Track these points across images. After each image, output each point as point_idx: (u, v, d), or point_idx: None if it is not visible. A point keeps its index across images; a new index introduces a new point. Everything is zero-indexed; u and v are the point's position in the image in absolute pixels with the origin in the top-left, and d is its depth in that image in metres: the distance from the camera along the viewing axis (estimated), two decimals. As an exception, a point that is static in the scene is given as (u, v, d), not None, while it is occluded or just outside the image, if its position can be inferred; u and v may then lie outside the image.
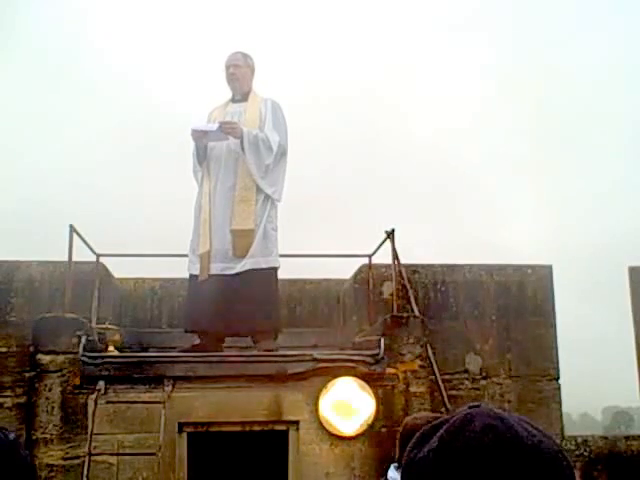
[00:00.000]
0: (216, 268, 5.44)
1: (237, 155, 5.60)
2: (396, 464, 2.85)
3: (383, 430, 4.93)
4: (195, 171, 5.85)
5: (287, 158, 5.80)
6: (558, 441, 0.93)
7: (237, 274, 5.40)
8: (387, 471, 2.90)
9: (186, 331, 5.65)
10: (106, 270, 6.41)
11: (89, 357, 4.86)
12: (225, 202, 5.55)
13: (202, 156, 5.72)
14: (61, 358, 4.88)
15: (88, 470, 4.56)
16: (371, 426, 4.90)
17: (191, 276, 5.63)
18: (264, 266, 5.48)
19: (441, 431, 0.89)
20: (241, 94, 5.89)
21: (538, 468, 0.84)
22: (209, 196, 5.62)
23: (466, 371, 6.18)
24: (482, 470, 0.83)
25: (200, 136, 5.59)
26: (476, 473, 0.83)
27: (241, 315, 5.35)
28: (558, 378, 6.33)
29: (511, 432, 0.86)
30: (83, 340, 4.91)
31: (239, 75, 5.87)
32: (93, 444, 4.62)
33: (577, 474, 3.62)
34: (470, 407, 0.92)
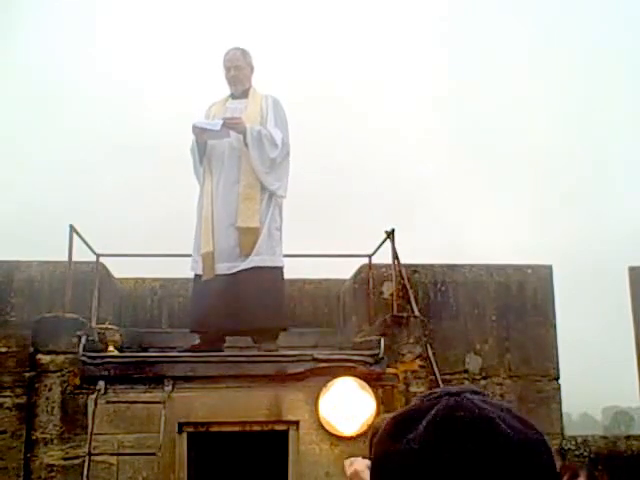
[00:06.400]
0: (222, 268, 5.38)
1: (240, 152, 5.55)
2: None
3: (383, 430, 4.93)
4: (196, 169, 5.79)
5: (290, 156, 5.77)
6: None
7: (242, 271, 5.36)
8: None
9: (192, 331, 5.62)
10: (106, 270, 6.41)
11: (89, 357, 4.86)
12: (228, 199, 5.49)
13: (202, 153, 5.67)
14: (61, 358, 4.88)
15: (88, 470, 4.56)
16: (371, 426, 4.90)
17: (196, 276, 5.60)
18: (270, 264, 5.45)
19: (423, 423, 0.84)
20: (241, 91, 5.85)
21: (519, 462, 0.82)
22: (211, 194, 5.57)
23: (466, 371, 6.18)
24: (463, 467, 0.80)
25: (201, 133, 5.55)
26: (457, 470, 0.80)
27: (248, 313, 5.32)
28: (558, 378, 6.33)
29: (492, 429, 0.82)
30: (83, 340, 4.91)
31: (241, 77, 5.79)
32: (93, 444, 4.62)
33: (582, 474, 3.61)
34: (450, 394, 0.86)
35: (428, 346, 5.37)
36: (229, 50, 5.86)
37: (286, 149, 5.66)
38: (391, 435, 0.86)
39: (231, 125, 5.46)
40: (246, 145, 5.49)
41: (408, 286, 5.96)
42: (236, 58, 5.80)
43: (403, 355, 5.12)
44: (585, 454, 5.82)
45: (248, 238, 5.40)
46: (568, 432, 6.38)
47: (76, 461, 4.71)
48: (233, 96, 5.87)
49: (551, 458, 0.85)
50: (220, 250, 5.42)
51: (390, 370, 5.07)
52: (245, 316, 5.33)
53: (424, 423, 0.83)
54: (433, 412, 0.84)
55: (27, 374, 4.88)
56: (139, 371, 4.88)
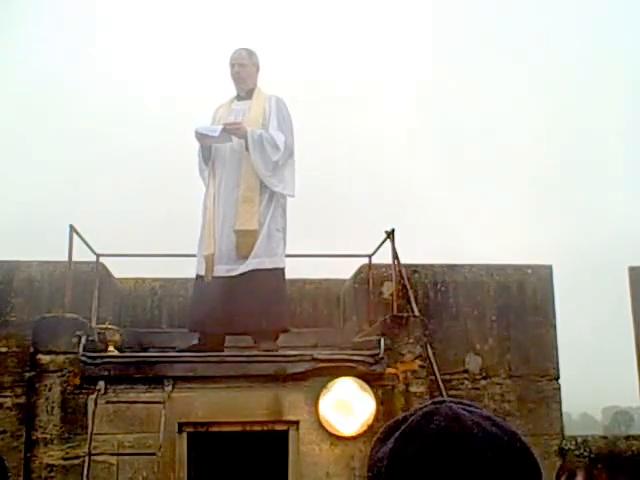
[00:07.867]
0: (220, 270, 5.40)
1: (240, 155, 5.56)
2: None
3: (383, 430, 4.93)
4: (201, 170, 5.82)
5: (294, 157, 5.75)
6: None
7: (241, 274, 5.37)
8: None
9: (190, 331, 5.63)
10: (106, 270, 6.41)
11: (89, 357, 4.86)
12: (229, 202, 5.51)
13: (207, 156, 5.69)
14: (61, 358, 4.88)
15: (88, 470, 4.56)
16: (371, 426, 4.90)
17: (197, 276, 5.61)
18: (269, 266, 5.45)
19: (398, 432, 0.85)
20: (246, 91, 5.86)
21: (490, 471, 0.80)
22: (213, 197, 5.59)
23: (466, 371, 6.18)
24: (433, 475, 0.80)
25: (202, 138, 5.56)
26: (427, 476, 0.80)
27: (246, 315, 5.32)
28: (558, 378, 6.33)
29: (466, 435, 0.82)
30: (83, 340, 4.91)
31: (244, 74, 5.82)
32: (93, 444, 4.62)
33: (580, 474, 3.58)
34: (434, 403, 0.88)
35: (428, 346, 5.36)
36: (236, 49, 5.92)
37: (289, 151, 5.65)
38: (380, 438, 0.89)
39: (232, 130, 5.48)
40: (247, 149, 5.50)
41: (408, 286, 5.96)
42: (241, 57, 5.85)
43: (403, 355, 5.12)
44: (585, 454, 5.82)
45: (246, 240, 5.41)
46: (568, 432, 6.37)
47: (76, 461, 4.71)
48: (239, 97, 5.89)
49: (525, 463, 0.83)
50: (220, 252, 5.43)
51: (390, 370, 5.07)
52: (244, 319, 5.34)
53: (402, 428, 0.86)
54: (412, 417, 0.86)
55: (27, 374, 4.88)
56: (139, 371, 4.88)
